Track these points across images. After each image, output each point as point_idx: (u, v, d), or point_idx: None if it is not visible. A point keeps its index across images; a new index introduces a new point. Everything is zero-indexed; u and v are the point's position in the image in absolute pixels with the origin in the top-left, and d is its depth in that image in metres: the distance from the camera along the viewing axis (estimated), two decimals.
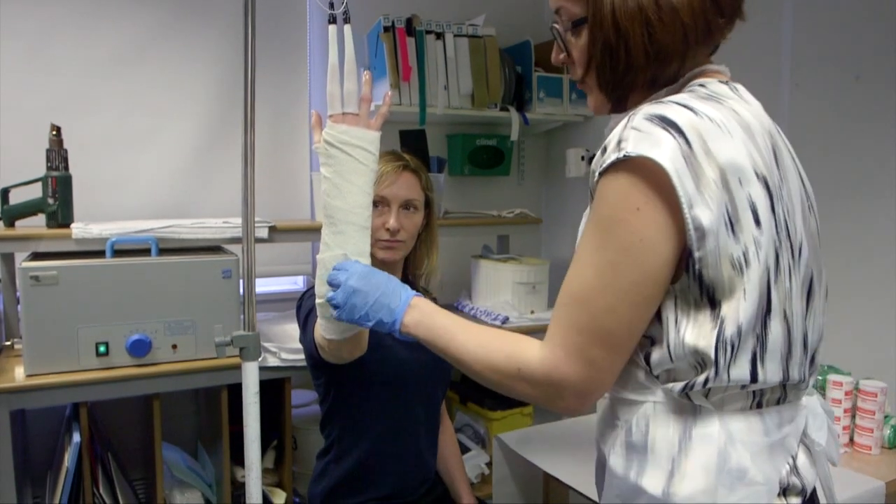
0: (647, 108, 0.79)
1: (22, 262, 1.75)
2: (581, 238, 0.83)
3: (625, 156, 0.76)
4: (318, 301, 1.19)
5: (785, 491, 0.83)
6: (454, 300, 2.75)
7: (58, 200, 1.94)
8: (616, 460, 0.87)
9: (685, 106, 0.79)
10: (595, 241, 0.80)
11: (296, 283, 2.84)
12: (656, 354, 0.83)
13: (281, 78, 2.55)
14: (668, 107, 0.79)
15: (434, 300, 1.72)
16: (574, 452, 1.71)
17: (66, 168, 1.97)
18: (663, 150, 0.75)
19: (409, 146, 2.41)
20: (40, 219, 1.97)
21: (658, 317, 0.82)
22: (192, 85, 2.41)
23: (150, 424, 1.96)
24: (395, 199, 1.49)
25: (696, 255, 0.77)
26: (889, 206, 2.03)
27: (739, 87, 0.89)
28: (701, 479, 0.80)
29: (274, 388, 2.09)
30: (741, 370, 0.79)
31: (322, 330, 1.21)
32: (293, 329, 2.16)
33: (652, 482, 0.82)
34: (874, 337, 2.07)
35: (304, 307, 1.50)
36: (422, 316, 1.01)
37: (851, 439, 1.74)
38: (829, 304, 2.18)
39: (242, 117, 1.26)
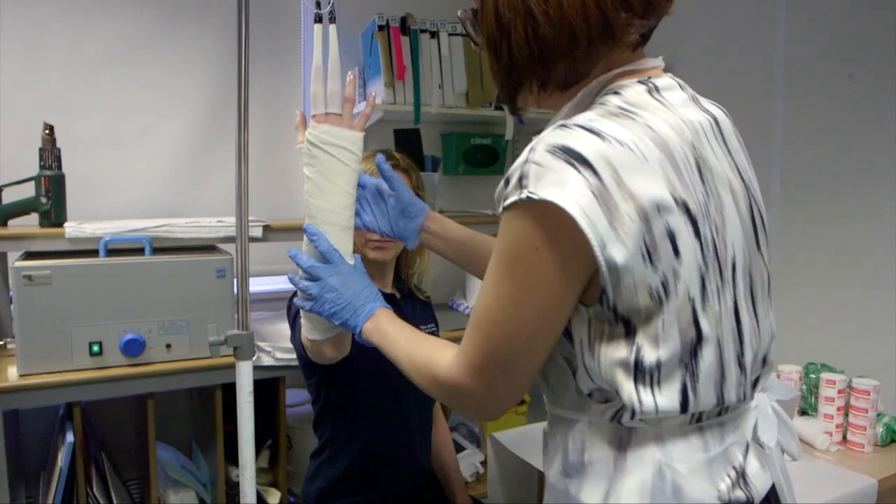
0: (550, 137, 0.73)
1: (15, 261, 1.74)
2: (489, 264, 0.80)
3: (526, 197, 0.71)
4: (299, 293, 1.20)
5: None
6: (448, 300, 2.75)
7: (51, 199, 1.93)
8: (555, 476, 0.87)
9: (591, 131, 0.72)
10: (497, 273, 0.78)
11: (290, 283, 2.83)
12: (579, 375, 0.82)
13: (275, 77, 2.54)
14: (573, 133, 0.72)
15: (427, 299, 1.72)
16: None
17: (60, 167, 1.96)
18: (569, 192, 0.69)
19: (403, 145, 2.41)
20: (33, 218, 1.96)
21: (571, 334, 0.81)
22: (185, 84, 2.40)
23: (144, 424, 1.96)
24: None
25: (610, 292, 0.74)
26: (882, 205, 2.04)
27: (664, 82, 0.82)
28: (636, 500, 0.78)
29: (268, 388, 2.08)
30: (669, 400, 0.76)
31: (304, 329, 1.22)
32: (287, 328, 2.16)
33: (590, 498, 0.81)
34: (867, 335, 2.07)
35: (293, 307, 1.50)
36: (378, 324, 1.05)
37: (844, 437, 1.75)
38: (823, 303, 2.19)
39: (236, 116, 1.26)
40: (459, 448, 2.44)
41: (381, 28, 2.39)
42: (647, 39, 0.85)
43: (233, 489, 2.05)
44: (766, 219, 0.88)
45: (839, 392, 1.75)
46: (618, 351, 0.76)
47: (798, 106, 2.26)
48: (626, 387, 0.76)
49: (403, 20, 2.43)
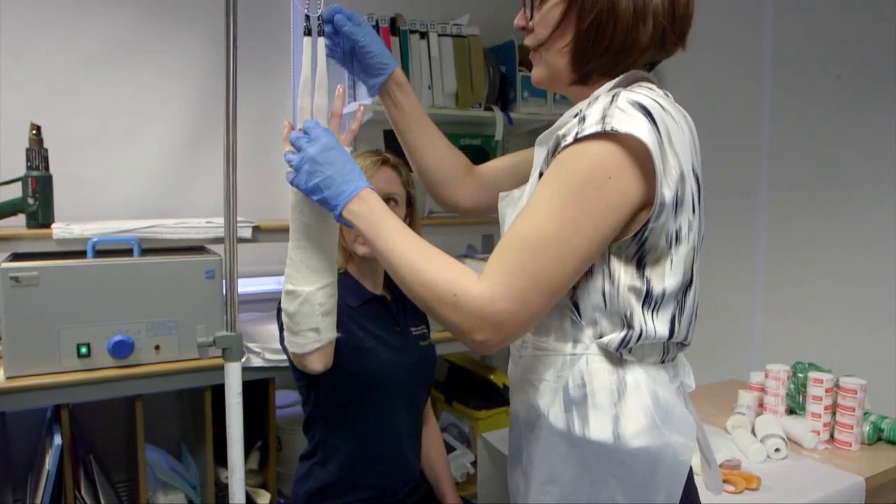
0: (626, 94, 0.86)
1: (2, 262, 1.73)
2: (539, 191, 0.87)
3: (611, 129, 0.82)
4: (282, 306, 1.23)
5: None
6: None
7: (38, 200, 1.92)
8: (557, 417, 0.93)
9: (653, 99, 0.87)
10: (561, 197, 0.84)
11: (280, 283, 2.82)
12: (588, 301, 0.91)
13: (264, 78, 2.54)
14: (642, 97, 0.86)
15: None
16: None
17: (47, 168, 1.95)
18: (644, 132, 0.83)
19: (393, 146, 2.40)
20: (20, 219, 1.95)
21: (591, 266, 0.90)
22: (175, 85, 2.39)
23: (132, 426, 1.95)
24: None
25: (651, 225, 0.86)
26: (870, 205, 2.05)
27: (669, 95, 0.95)
28: (643, 418, 0.90)
29: (258, 389, 2.08)
30: (663, 326, 0.91)
31: (287, 343, 1.23)
32: (276, 329, 2.15)
33: (599, 430, 0.90)
34: (854, 334, 2.09)
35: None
36: (368, 210, 0.98)
37: (832, 436, 1.76)
38: (810, 303, 2.20)
39: (224, 116, 1.26)
40: (450, 449, 2.44)
41: None
42: (656, 65, 1.02)
43: (222, 491, 2.04)
44: None
45: (826, 391, 1.76)
46: (633, 281, 0.90)
47: (785, 107, 2.27)
48: (638, 313, 0.90)
49: (393, 21, 2.43)
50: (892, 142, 1.99)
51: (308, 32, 1.16)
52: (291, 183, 1.07)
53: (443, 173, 1.24)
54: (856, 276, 2.09)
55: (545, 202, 0.85)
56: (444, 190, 1.25)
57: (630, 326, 0.90)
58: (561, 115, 0.96)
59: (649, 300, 0.90)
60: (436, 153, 1.23)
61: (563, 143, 0.87)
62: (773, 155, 2.32)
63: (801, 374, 1.86)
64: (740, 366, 2.33)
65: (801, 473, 1.58)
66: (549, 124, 0.97)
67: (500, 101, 2.68)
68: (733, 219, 2.45)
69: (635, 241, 0.88)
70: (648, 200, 0.85)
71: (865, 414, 1.77)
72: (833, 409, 1.76)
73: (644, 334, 0.89)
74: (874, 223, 2.03)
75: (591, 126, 0.84)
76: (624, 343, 0.90)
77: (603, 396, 0.91)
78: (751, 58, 2.33)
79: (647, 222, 0.86)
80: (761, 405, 1.91)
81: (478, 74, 2.56)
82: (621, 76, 0.95)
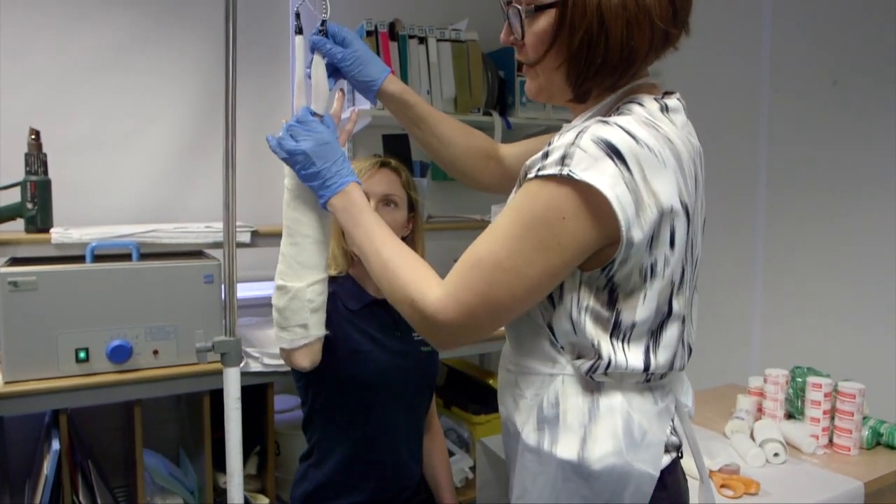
0: (595, 129, 0.82)
1: (0, 267, 1.73)
2: (501, 216, 0.88)
3: (568, 174, 0.80)
4: (272, 301, 1.24)
5: (666, 448, 0.95)
6: None
7: (37, 205, 1.92)
8: (529, 434, 0.95)
9: (627, 132, 0.82)
10: (515, 229, 0.85)
11: None
12: (560, 326, 0.92)
13: (262, 82, 2.54)
14: (613, 131, 0.82)
15: None
16: None
17: (46, 172, 1.95)
18: (606, 179, 0.80)
19: (391, 150, 2.41)
20: (19, 223, 1.95)
21: (562, 292, 0.90)
22: (173, 89, 2.40)
23: (131, 431, 1.94)
24: (373, 195, 1.49)
25: (617, 264, 0.85)
26: (867, 209, 2.05)
27: (671, 102, 0.91)
28: (610, 443, 0.90)
29: (257, 394, 2.08)
30: (636, 358, 0.90)
31: (276, 339, 1.24)
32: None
33: (566, 449, 0.91)
34: (852, 339, 2.09)
35: None
36: (350, 205, 1.07)
37: (830, 440, 1.76)
38: (809, 307, 2.21)
39: (223, 121, 1.26)
40: (449, 454, 2.44)
41: (369, 34, 2.39)
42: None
43: (220, 496, 2.04)
44: None
45: (825, 395, 1.76)
46: (602, 312, 0.89)
47: (783, 111, 2.27)
48: (605, 343, 0.89)
49: (392, 26, 2.44)
50: (890, 145, 1.99)
51: (300, 31, 1.17)
52: (291, 168, 1.15)
53: (465, 165, 1.29)
54: (854, 279, 2.09)
55: (502, 229, 0.87)
56: (469, 179, 1.31)
57: (599, 356, 0.89)
58: (559, 120, 0.95)
59: (617, 331, 0.89)
60: (451, 149, 1.28)
61: (527, 175, 0.86)
62: (772, 159, 2.33)
63: (799, 379, 1.86)
64: (739, 370, 2.33)
65: (800, 478, 1.58)
66: (548, 129, 0.97)
67: (498, 105, 2.68)
68: (732, 222, 2.45)
69: (604, 273, 0.87)
70: (614, 239, 0.83)
71: (864, 418, 1.77)
72: (832, 413, 1.76)
73: (613, 363, 0.89)
74: (872, 227, 2.04)
75: (550, 167, 0.82)
76: (593, 369, 0.90)
77: (573, 417, 0.91)
78: (749, 62, 2.34)
79: (614, 260, 0.85)
80: (760, 410, 1.91)
81: (476, 79, 2.57)
82: (603, 103, 0.92)
